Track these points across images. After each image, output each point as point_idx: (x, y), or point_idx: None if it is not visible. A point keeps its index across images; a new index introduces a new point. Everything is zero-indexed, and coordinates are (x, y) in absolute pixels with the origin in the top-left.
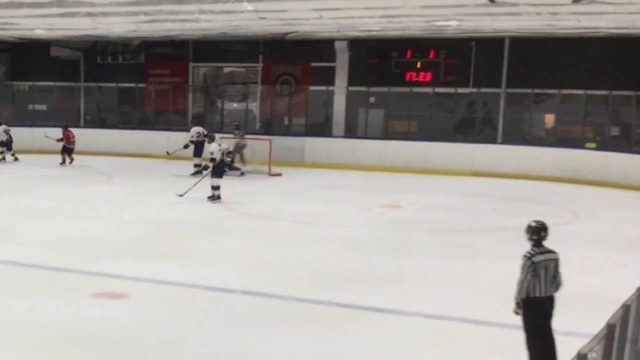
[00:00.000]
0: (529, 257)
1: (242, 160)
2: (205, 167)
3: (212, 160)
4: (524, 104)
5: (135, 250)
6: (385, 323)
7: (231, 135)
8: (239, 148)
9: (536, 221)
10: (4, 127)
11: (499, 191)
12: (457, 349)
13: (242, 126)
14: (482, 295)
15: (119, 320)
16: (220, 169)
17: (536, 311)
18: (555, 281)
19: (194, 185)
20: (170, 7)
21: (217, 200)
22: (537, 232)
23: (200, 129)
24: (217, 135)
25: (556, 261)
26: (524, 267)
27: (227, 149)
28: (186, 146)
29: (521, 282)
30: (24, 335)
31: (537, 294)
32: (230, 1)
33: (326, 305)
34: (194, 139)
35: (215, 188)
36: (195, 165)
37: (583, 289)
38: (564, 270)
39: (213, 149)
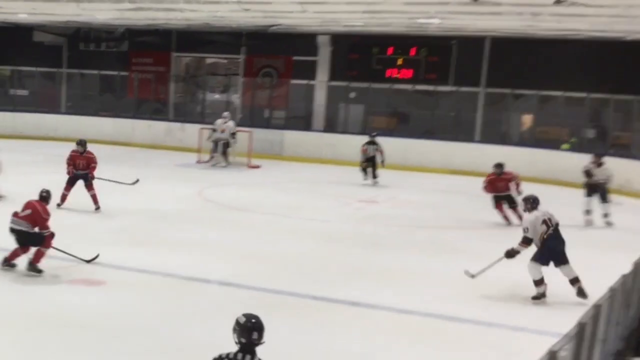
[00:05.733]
0: None
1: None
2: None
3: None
4: (502, 104)
5: (113, 237)
6: (357, 317)
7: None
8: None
9: (247, 316)
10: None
11: (476, 190)
12: (428, 344)
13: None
14: (455, 292)
15: (96, 307)
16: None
17: None
18: None
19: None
20: None
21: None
22: (248, 332)
23: None
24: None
25: None
26: None
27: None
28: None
29: None
30: None
31: None
32: None
33: (301, 298)
34: None
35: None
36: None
37: (553, 288)
38: None
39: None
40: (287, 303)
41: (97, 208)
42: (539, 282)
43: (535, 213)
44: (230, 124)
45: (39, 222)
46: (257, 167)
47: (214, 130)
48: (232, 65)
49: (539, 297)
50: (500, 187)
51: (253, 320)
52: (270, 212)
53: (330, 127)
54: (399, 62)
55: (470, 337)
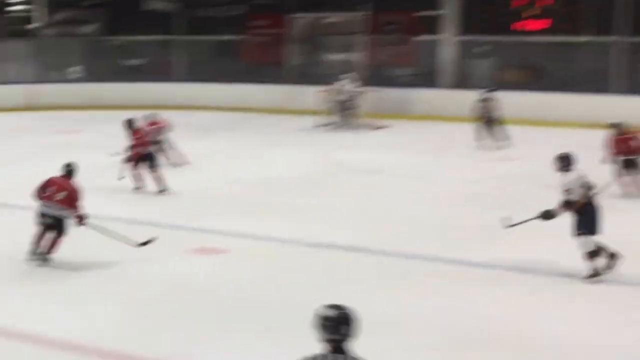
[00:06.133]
0: None
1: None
2: None
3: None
4: None
5: (237, 206)
6: (496, 280)
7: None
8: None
9: (332, 308)
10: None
11: None
12: (568, 305)
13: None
14: None
15: (219, 276)
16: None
17: None
18: None
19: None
20: None
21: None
22: (335, 327)
23: None
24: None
25: None
26: None
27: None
28: None
29: None
30: (126, 290)
31: None
32: None
33: (433, 262)
34: None
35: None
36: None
37: None
38: None
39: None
40: (420, 268)
41: (161, 191)
42: (595, 254)
43: (574, 173)
44: (350, 86)
45: (74, 202)
46: (383, 127)
47: (334, 92)
48: (353, 23)
49: (597, 274)
50: (625, 148)
51: (342, 311)
52: (398, 173)
53: (459, 83)
54: (531, 12)
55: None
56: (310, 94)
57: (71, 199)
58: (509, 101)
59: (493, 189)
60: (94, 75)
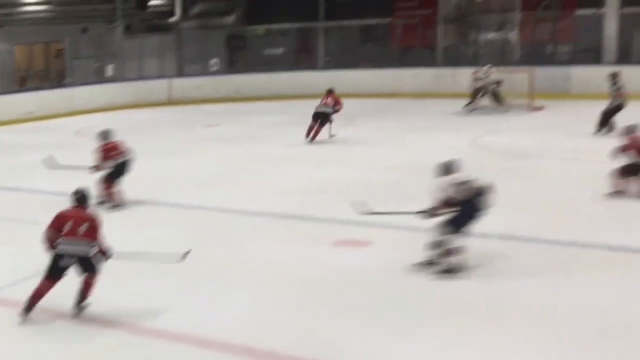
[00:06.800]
0: None
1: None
2: None
3: None
4: None
5: (381, 195)
6: None
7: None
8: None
9: None
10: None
11: None
12: None
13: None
14: None
15: (362, 269)
16: None
17: None
18: None
19: None
20: None
21: None
22: None
23: None
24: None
25: None
26: None
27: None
28: None
29: None
30: (266, 281)
31: None
32: None
33: (596, 249)
34: None
35: None
36: None
37: None
38: None
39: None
40: (580, 256)
41: (114, 206)
42: (450, 252)
43: (451, 177)
44: (493, 76)
45: (95, 234)
46: (540, 108)
47: (480, 76)
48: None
49: (451, 271)
50: None
51: None
52: (557, 157)
53: (624, 58)
54: None
55: None
56: (461, 77)
57: (93, 230)
58: None
59: None
60: (234, 67)
